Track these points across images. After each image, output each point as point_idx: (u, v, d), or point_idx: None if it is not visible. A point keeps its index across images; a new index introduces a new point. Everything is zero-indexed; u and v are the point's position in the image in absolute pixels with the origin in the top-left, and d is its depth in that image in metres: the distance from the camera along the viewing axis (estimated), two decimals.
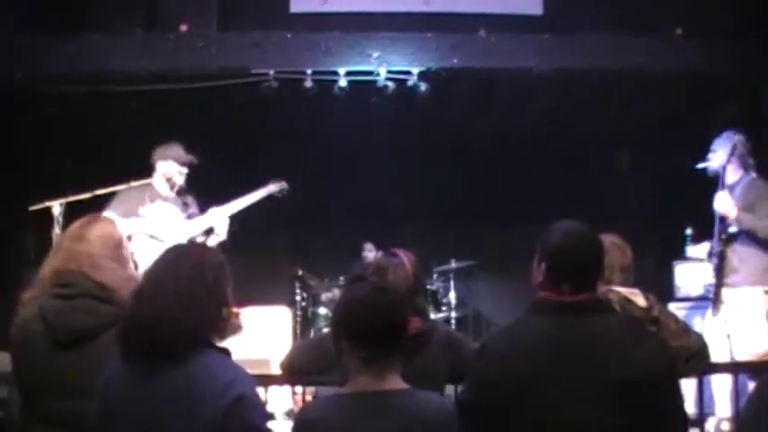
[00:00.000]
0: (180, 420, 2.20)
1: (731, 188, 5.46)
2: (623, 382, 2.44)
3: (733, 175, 5.52)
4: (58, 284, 2.98)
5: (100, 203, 5.30)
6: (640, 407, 2.45)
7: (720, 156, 5.56)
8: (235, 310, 2.48)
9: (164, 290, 2.34)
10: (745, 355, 5.24)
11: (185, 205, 5.74)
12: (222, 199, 5.88)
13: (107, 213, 5.24)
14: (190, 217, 5.72)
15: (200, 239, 5.72)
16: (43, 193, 4.95)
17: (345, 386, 2.51)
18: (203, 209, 5.85)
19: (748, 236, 5.41)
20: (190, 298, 2.31)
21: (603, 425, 2.42)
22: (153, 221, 5.47)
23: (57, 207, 4.86)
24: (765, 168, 6.23)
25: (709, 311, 5.50)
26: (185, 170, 5.69)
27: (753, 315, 5.38)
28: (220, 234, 5.78)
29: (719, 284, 5.43)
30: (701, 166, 5.68)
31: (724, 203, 5.34)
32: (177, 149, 5.70)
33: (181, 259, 2.43)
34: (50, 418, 2.82)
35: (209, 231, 5.80)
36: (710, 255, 5.54)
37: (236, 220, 5.87)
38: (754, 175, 5.51)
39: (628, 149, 8.81)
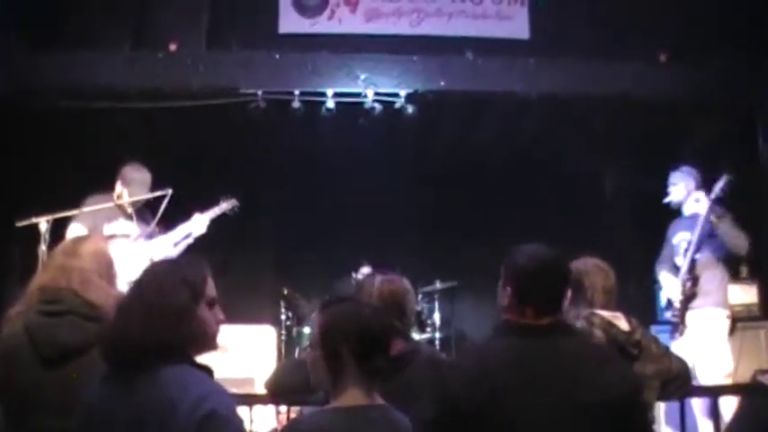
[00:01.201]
0: None
1: (691, 218, 5.76)
2: (586, 404, 2.46)
3: (692, 207, 5.83)
4: (44, 300, 2.99)
5: None
6: (607, 426, 2.48)
7: (681, 189, 5.85)
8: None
9: (136, 305, 2.35)
10: (711, 376, 5.34)
11: (144, 221, 5.75)
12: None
13: (74, 227, 5.28)
14: (150, 237, 5.74)
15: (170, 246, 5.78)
16: (30, 208, 4.94)
17: (333, 402, 2.57)
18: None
19: (712, 262, 5.66)
20: (156, 312, 2.31)
21: None
22: (117, 239, 5.49)
23: (43, 223, 4.84)
24: (757, 185, 6.37)
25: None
26: (140, 196, 5.68)
27: (715, 337, 5.53)
28: (191, 239, 5.87)
29: (685, 308, 5.58)
30: (667, 200, 5.94)
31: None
32: (139, 178, 5.68)
33: (156, 275, 2.44)
34: (35, 429, 2.81)
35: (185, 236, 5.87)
36: (683, 280, 5.69)
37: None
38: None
39: (612, 172, 8.87)
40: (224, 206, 6.08)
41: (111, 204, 5.57)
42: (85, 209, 5.38)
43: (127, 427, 2.23)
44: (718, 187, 5.61)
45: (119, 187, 5.68)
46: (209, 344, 2.44)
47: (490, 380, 2.49)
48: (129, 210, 5.68)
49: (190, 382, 2.26)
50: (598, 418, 2.46)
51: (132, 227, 5.66)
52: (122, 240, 5.54)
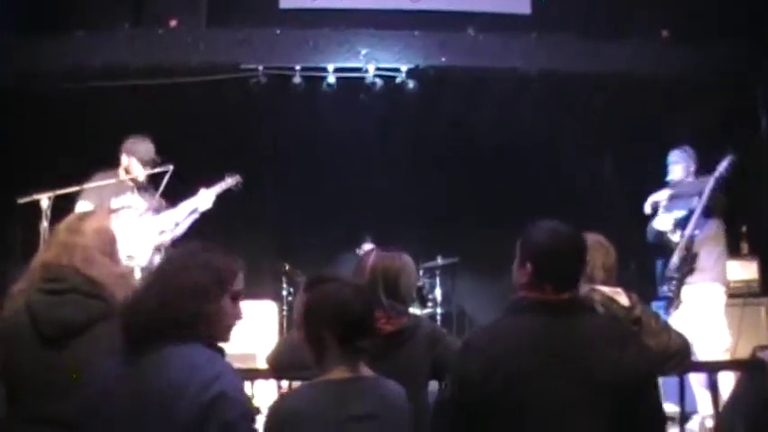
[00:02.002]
0: (159, 415, 2.19)
1: (687, 197, 5.85)
2: (606, 381, 2.45)
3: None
4: (46, 278, 2.98)
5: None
6: (622, 406, 2.46)
7: (680, 169, 5.98)
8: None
9: (157, 281, 2.38)
10: (709, 352, 5.37)
11: (152, 198, 5.77)
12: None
13: (81, 204, 5.29)
14: (157, 211, 5.77)
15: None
16: (31, 186, 4.95)
17: (323, 375, 2.59)
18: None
19: (711, 238, 5.74)
20: (173, 288, 2.33)
21: (587, 423, 2.44)
22: (122, 215, 5.51)
23: (45, 200, 4.85)
24: (758, 165, 6.37)
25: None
26: (147, 169, 5.70)
27: (713, 312, 5.56)
28: (197, 214, 5.91)
29: (681, 283, 5.62)
30: (668, 179, 6.07)
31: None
32: (143, 147, 5.72)
33: (182, 255, 2.47)
34: (37, 414, 2.80)
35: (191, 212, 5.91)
36: (680, 256, 5.73)
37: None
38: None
39: (613, 150, 8.85)
40: (229, 182, 6.11)
41: (115, 180, 5.59)
42: (90, 184, 5.41)
43: (132, 405, 2.23)
44: (722, 166, 5.61)
45: (125, 159, 5.70)
46: (221, 334, 2.44)
47: (509, 359, 2.48)
48: (141, 179, 5.70)
49: (198, 362, 2.27)
50: (616, 395, 2.46)
51: (139, 201, 5.69)
52: (129, 213, 5.57)
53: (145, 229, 5.57)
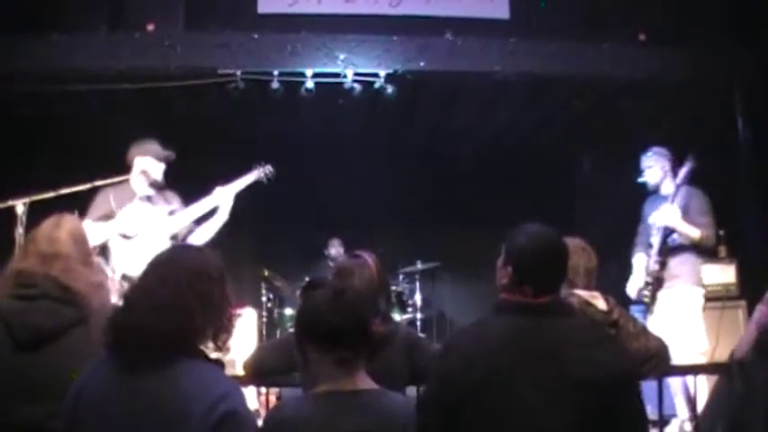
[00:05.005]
0: (165, 430, 2.15)
1: (666, 199, 5.78)
2: (583, 383, 2.46)
3: (668, 187, 5.83)
4: (19, 284, 2.97)
5: (64, 202, 5.24)
6: (599, 408, 2.47)
7: (656, 171, 5.89)
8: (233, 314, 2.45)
9: (155, 294, 2.28)
10: (685, 355, 5.39)
11: (166, 201, 5.63)
12: (188, 198, 5.83)
13: (86, 222, 5.15)
14: (172, 213, 5.62)
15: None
16: (7, 191, 4.89)
17: (317, 387, 2.52)
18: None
19: (686, 243, 5.71)
20: (181, 304, 2.26)
21: (563, 424, 2.44)
22: (129, 222, 5.37)
23: (20, 206, 4.79)
24: (735, 168, 6.38)
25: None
26: (163, 166, 5.58)
27: (690, 315, 5.58)
28: (223, 214, 5.71)
29: (656, 290, 5.63)
30: (641, 180, 6.00)
31: (672, 217, 5.61)
32: (154, 146, 5.58)
33: (176, 264, 2.37)
34: (10, 420, 2.77)
35: (211, 213, 5.71)
36: (648, 267, 5.73)
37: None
38: (687, 185, 5.75)
39: (593, 153, 8.88)
40: (253, 174, 5.93)
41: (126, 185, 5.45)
42: (69, 189, 5.23)
43: (131, 418, 2.18)
44: (682, 173, 5.65)
45: (140, 162, 5.53)
46: (226, 342, 2.40)
47: (487, 359, 2.49)
48: (159, 178, 5.57)
49: (207, 379, 2.23)
50: (595, 397, 2.47)
51: (149, 207, 5.53)
52: (138, 223, 5.41)
53: (155, 239, 5.38)
